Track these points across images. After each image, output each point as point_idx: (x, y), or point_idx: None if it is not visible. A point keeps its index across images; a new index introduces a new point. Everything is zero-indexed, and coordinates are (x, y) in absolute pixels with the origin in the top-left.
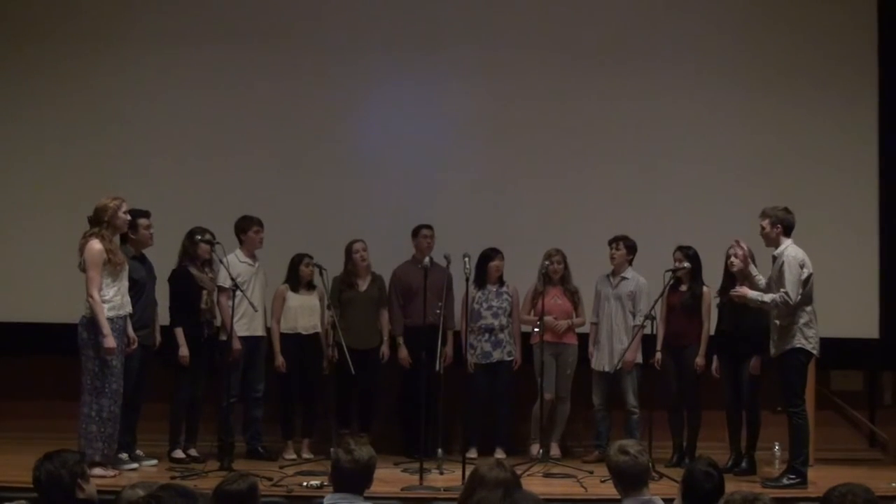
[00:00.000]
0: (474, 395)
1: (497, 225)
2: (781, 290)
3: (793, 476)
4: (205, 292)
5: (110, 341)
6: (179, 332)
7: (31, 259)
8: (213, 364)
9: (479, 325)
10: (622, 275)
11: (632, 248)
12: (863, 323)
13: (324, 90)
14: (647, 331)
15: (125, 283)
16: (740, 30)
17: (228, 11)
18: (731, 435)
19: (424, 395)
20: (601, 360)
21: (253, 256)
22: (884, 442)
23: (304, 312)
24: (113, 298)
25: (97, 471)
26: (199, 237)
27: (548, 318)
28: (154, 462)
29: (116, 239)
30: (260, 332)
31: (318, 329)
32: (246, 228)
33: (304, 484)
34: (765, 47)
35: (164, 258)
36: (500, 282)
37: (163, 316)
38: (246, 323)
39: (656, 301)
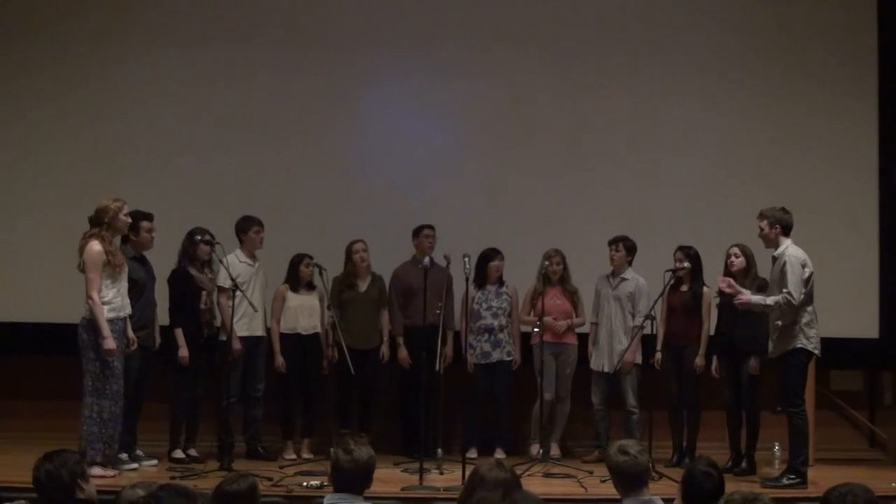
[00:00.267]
0: (474, 395)
1: (497, 225)
2: (784, 290)
3: (793, 476)
4: (204, 293)
5: (110, 343)
6: (179, 332)
7: (31, 259)
8: (213, 364)
9: (478, 326)
10: (622, 275)
11: (631, 249)
12: (863, 323)
13: (324, 90)
14: (647, 331)
15: (125, 285)
16: (740, 30)
17: (229, 12)
18: (730, 435)
19: (424, 395)
20: (600, 361)
21: (253, 257)
22: (884, 442)
23: (304, 313)
24: (113, 300)
25: (97, 470)
26: (199, 237)
27: (547, 319)
28: (154, 462)
29: (117, 240)
30: (260, 332)
31: (318, 329)
32: (246, 229)
33: (304, 484)
34: (765, 47)
35: (163, 259)
36: (500, 282)
37: (162, 316)
38: (246, 323)
39: (656, 301)
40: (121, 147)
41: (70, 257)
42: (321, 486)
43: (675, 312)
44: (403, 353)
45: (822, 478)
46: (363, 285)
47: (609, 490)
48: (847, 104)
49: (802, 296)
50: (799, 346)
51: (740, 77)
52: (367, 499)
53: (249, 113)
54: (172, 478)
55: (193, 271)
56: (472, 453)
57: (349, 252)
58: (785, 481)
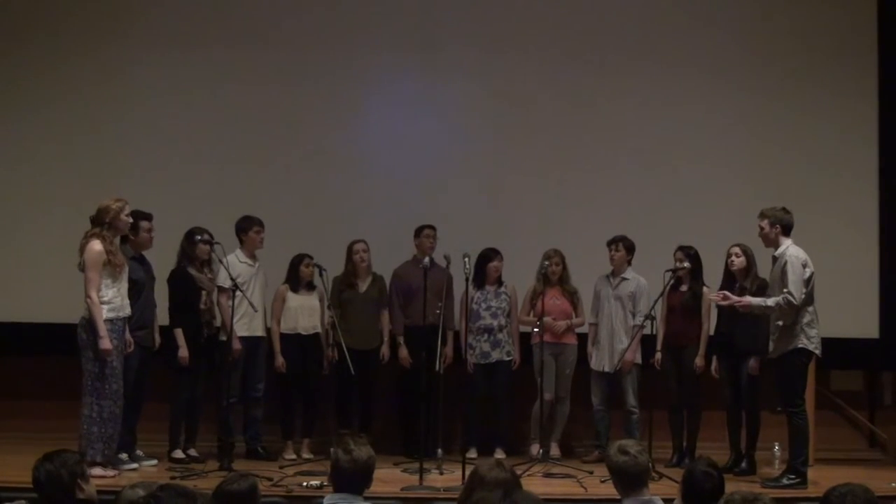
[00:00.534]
0: (473, 396)
1: (497, 225)
2: (784, 290)
3: (793, 476)
4: (204, 293)
5: (106, 343)
6: (179, 332)
7: (31, 259)
8: (213, 364)
9: (477, 326)
10: (622, 275)
11: (631, 249)
12: (863, 323)
13: (324, 90)
14: (647, 331)
15: (125, 285)
16: (740, 30)
17: (229, 13)
18: (730, 435)
19: (424, 395)
20: (601, 361)
21: (253, 257)
22: (884, 442)
23: (304, 313)
24: (112, 299)
25: (97, 471)
26: (198, 237)
27: (547, 319)
28: (154, 462)
29: (117, 240)
30: (260, 332)
31: (318, 329)
32: (247, 228)
33: (304, 484)
34: (765, 47)
35: (163, 259)
36: (499, 282)
37: (162, 316)
38: (246, 323)
39: (656, 301)
40: (121, 147)
41: (70, 257)
42: (321, 486)
43: (674, 312)
44: (404, 352)
45: (822, 478)
46: (363, 285)
47: (609, 490)
48: (847, 104)
49: (803, 296)
50: (800, 346)
51: (740, 77)
52: (367, 499)
53: (249, 113)
54: (172, 478)
55: (193, 271)
56: (472, 453)
57: (349, 252)
58: (785, 481)
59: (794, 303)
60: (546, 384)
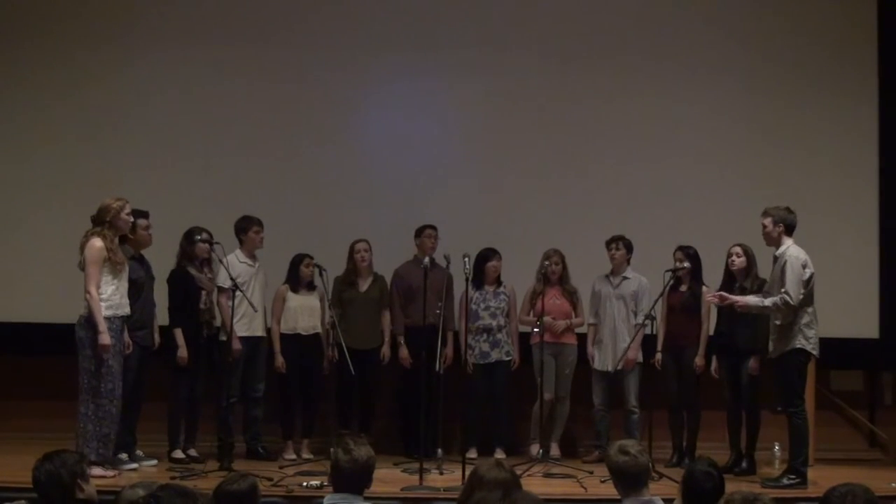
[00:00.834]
0: (473, 396)
1: (497, 225)
2: (782, 290)
3: (793, 476)
4: (203, 293)
5: (105, 338)
6: (178, 332)
7: (31, 259)
8: (213, 364)
9: (476, 326)
10: (623, 275)
11: (630, 248)
12: (863, 323)
13: (324, 90)
14: (647, 330)
15: (125, 284)
16: (740, 30)
17: (229, 12)
18: (730, 435)
19: (424, 395)
20: (604, 361)
21: (253, 257)
22: (884, 442)
23: (304, 313)
24: (111, 297)
25: (97, 471)
26: (198, 237)
27: (546, 318)
28: (154, 462)
29: (116, 239)
30: (260, 332)
31: (318, 329)
32: (246, 228)
33: (304, 484)
34: (765, 47)
35: (163, 258)
36: (498, 282)
37: (162, 316)
38: (246, 323)
39: (656, 301)
40: (121, 147)
41: (70, 258)
42: (321, 486)
43: (674, 312)
44: (404, 352)
45: (822, 478)
46: (364, 285)
47: (609, 490)
48: (847, 104)
49: (801, 296)
50: (798, 346)
51: (741, 77)
52: (367, 499)
53: (250, 113)
54: (172, 478)
55: (193, 271)
56: (472, 453)
57: (351, 251)
58: (785, 481)
59: (791, 303)
60: (546, 384)
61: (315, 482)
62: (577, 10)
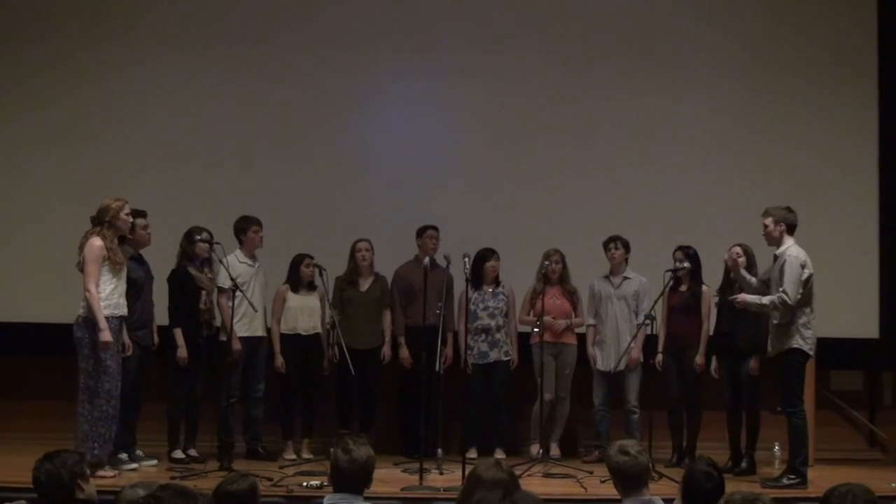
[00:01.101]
0: (472, 396)
1: (497, 225)
2: (780, 289)
3: (792, 476)
4: (203, 293)
5: (106, 335)
6: (178, 332)
7: (31, 259)
8: (213, 364)
9: (475, 326)
10: (624, 275)
11: (627, 247)
12: (863, 323)
13: (324, 90)
14: (648, 330)
15: (123, 285)
16: (740, 30)
17: (229, 12)
18: (730, 435)
19: (424, 395)
20: (607, 361)
21: (253, 257)
22: (884, 442)
23: (304, 313)
24: (110, 296)
25: (100, 472)
26: (198, 237)
27: (546, 318)
28: (154, 462)
29: (116, 240)
30: (260, 332)
31: (319, 330)
32: (245, 228)
33: (304, 484)
34: (765, 47)
35: (162, 258)
36: (496, 282)
37: (161, 316)
38: (246, 323)
39: (656, 301)
40: (120, 147)
41: (70, 258)
42: (321, 486)
43: (675, 313)
44: (405, 352)
45: (822, 478)
46: (365, 284)
47: (609, 490)
48: (847, 104)
49: (799, 296)
50: (795, 346)
51: (740, 77)
52: (367, 499)
53: (250, 113)
54: (172, 478)
55: (193, 271)
56: (472, 453)
57: (353, 250)
58: (785, 481)
59: (789, 302)
60: (546, 384)
61: (315, 482)
62: (577, 10)
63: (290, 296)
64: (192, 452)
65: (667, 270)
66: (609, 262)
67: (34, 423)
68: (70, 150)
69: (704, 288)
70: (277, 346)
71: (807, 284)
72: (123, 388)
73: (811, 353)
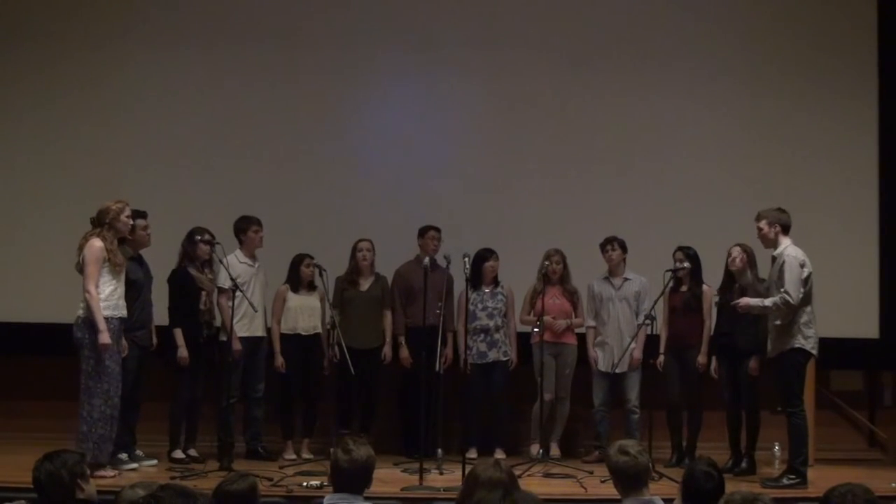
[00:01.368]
0: (471, 396)
1: (497, 225)
2: (782, 290)
3: (792, 476)
4: (204, 293)
5: (105, 337)
6: (178, 332)
7: (30, 259)
8: (213, 364)
9: (473, 326)
10: (624, 276)
11: (625, 248)
12: (863, 323)
13: (324, 91)
14: (648, 330)
15: (123, 287)
16: (740, 30)
17: (229, 12)
18: (730, 435)
19: (424, 395)
20: (608, 362)
21: (253, 257)
22: (884, 442)
23: (305, 313)
24: (110, 297)
25: (100, 472)
26: (199, 237)
27: (546, 318)
28: (154, 462)
29: (116, 241)
30: (260, 332)
31: (318, 330)
32: (245, 228)
33: (304, 484)
34: (765, 47)
35: (163, 259)
36: (495, 282)
37: (161, 316)
38: (246, 323)
39: (656, 301)
40: (120, 147)
41: (71, 258)
42: (321, 486)
43: (676, 313)
44: (405, 352)
45: (822, 478)
46: (365, 284)
47: (609, 490)
48: (847, 104)
49: (801, 295)
50: (796, 345)
51: (740, 77)
52: (367, 499)
53: (250, 113)
54: (172, 478)
55: (193, 271)
56: (472, 453)
57: (354, 250)
58: (785, 481)
59: (792, 302)
60: (546, 384)
61: (315, 482)
62: (578, 10)
63: (291, 296)
64: (192, 452)
65: (667, 270)
66: (607, 263)
67: (34, 423)
68: (70, 150)
69: (705, 287)
70: (278, 346)
71: (807, 283)
72: (123, 389)
73: (814, 351)
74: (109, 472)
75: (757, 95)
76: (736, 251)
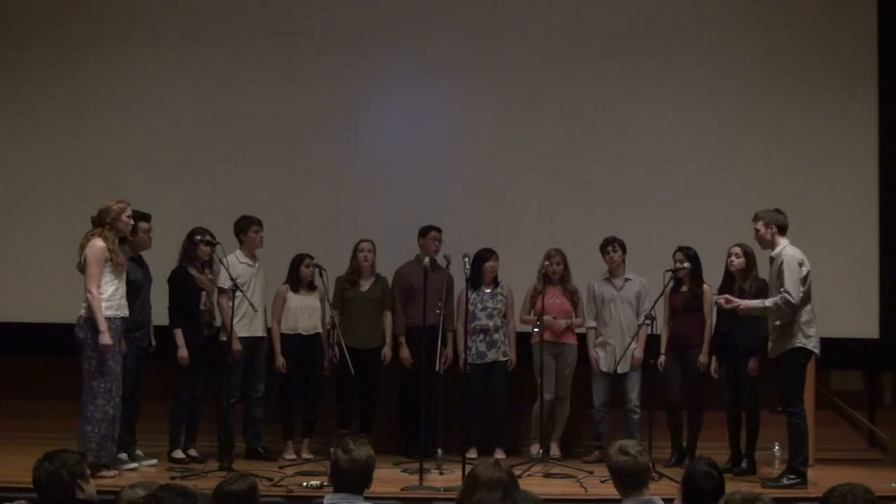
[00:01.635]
0: (471, 396)
1: (497, 225)
2: (782, 289)
3: (792, 476)
4: (204, 293)
5: (106, 338)
6: (178, 333)
7: (31, 259)
8: (213, 364)
9: (473, 326)
10: (625, 276)
11: (624, 248)
12: (863, 323)
13: (324, 91)
14: (649, 330)
15: (125, 286)
16: (740, 30)
17: (230, 13)
18: (730, 435)
19: (424, 395)
20: (611, 362)
21: (253, 257)
22: (884, 442)
23: (305, 313)
24: (112, 297)
25: (103, 472)
26: (199, 238)
27: (547, 317)
28: (154, 462)
29: (117, 241)
30: (260, 332)
31: (319, 330)
32: (245, 228)
33: (304, 484)
34: (765, 47)
35: (163, 259)
36: (495, 282)
37: (161, 316)
38: (246, 323)
39: (656, 301)
40: (121, 147)
41: (70, 258)
42: (321, 486)
43: (677, 314)
44: (406, 352)
45: (822, 478)
46: (365, 285)
47: (609, 490)
48: (847, 104)
49: (801, 294)
50: (797, 345)
51: (740, 77)
52: (367, 499)
53: (250, 113)
54: (172, 478)
55: (193, 271)
56: (472, 453)
57: (355, 250)
58: (785, 481)
59: (793, 301)
60: (546, 384)
61: (315, 482)
62: (577, 10)
63: (291, 296)
64: (192, 452)
65: (667, 270)
66: (609, 264)
67: (34, 423)
68: (70, 150)
69: (705, 287)
70: (278, 347)
71: (806, 282)
72: (123, 388)
73: (815, 350)
74: (109, 472)
75: (757, 95)
76: (736, 251)
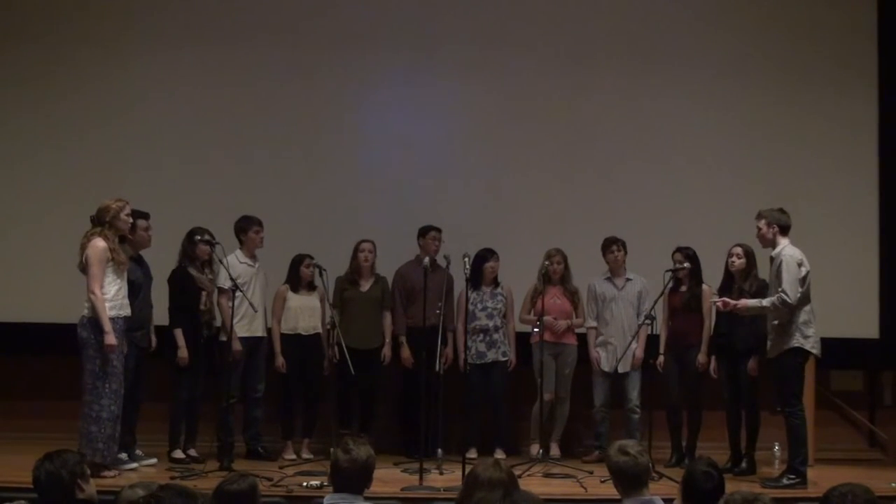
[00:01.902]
0: (471, 396)
1: (497, 225)
2: (779, 290)
3: (792, 476)
4: (204, 293)
5: (111, 338)
6: (178, 333)
7: (30, 259)
8: (213, 364)
9: (473, 326)
10: (626, 276)
11: (625, 249)
12: (863, 323)
13: (324, 91)
14: (648, 330)
15: (126, 285)
16: (740, 30)
17: (229, 12)
18: (730, 435)
19: (424, 395)
20: (612, 362)
21: (253, 257)
22: (884, 442)
23: (305, 313)
24: (115, 297)
25: (104, 472)
26: (199, 238)
27: (547, 318)
28: (154, 462)
29: (117, 240)
30: (260, 332)
31: (319, 330)
32: (246, 228)
33: (304, 484)
34: (765, 47)
35: (163, 259)
36: (495, 283)
37: (161, 316)
38: (246, 324)
39: (656, 301)
40: (121, 147)
41: (70, 258)
42: (321, 486)
43: (676, 314)
44: (406, 352)
45: (822, 478)
46: (365, 285)
47: (609, 490)
48: (847, 104)
49: (799, 295)
50: (795, 345)
51: (740, 77)
52: (367, 499)
53: (250, 113)
54: (172, 478)
55: (193, 271)
56: (472, 453)
57: (355, 250)
58: (785, 481)
59: (789, 301)
60: (546, 384)
61: (315, 482)
62: (578, 10)
63: (291, 296)
64: (192, 452)
65: (667, 270)
66: (612, 264)
67: (34, 423)
68: (70, 150)
69: (705, 287)
70: (278, 347)
71: (805, 282)
72: (123, 389)
73: (814, 351)
74: (110, 472)
75: (757, 96)
76: (737, 251)
